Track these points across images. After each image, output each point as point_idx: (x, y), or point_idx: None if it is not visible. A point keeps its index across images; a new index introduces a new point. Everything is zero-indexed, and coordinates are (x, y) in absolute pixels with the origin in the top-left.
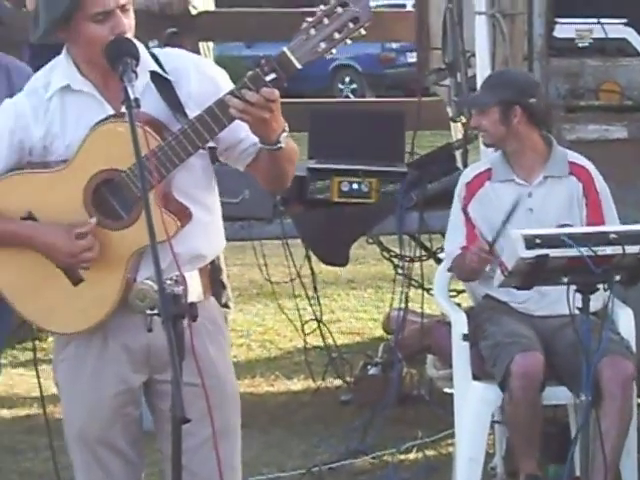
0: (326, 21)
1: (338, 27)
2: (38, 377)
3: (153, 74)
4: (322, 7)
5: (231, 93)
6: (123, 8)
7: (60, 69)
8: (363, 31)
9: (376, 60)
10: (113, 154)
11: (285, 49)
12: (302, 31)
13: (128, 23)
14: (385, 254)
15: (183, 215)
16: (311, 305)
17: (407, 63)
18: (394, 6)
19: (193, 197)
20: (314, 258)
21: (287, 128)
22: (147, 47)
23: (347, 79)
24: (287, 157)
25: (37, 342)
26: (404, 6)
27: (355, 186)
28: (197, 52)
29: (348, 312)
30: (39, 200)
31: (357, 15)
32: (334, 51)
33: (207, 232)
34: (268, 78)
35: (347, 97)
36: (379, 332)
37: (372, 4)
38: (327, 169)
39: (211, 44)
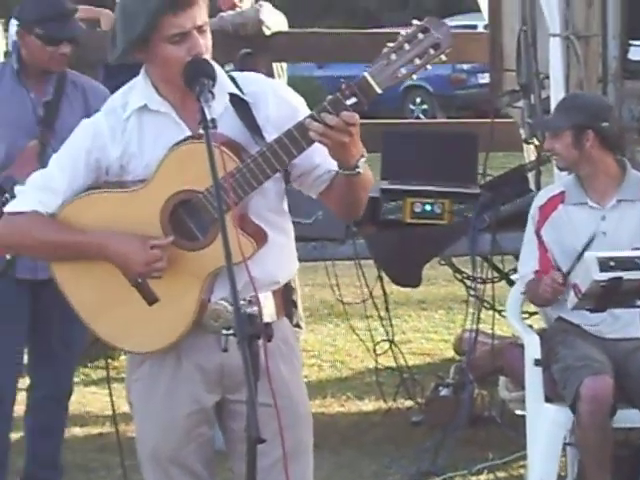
0: (407, 47)
1: (419, 53)
2: (111, 396)
3: (232, 97)
4: (403, 32)
5: (311, 116)
6: (200, 29)
7: (138, 89)
8: (444, 57)
9: (447, 81)
10: (191, 175)
11: (366, 74)
12: (383, 56)
13: (205, 44)
14: (457, 275)
15: (259, 237)
16: (383, 326)
17: (478, 84)
18: (465, 27)
19: (268, 220)
20: (386, 279)
21: (365, 154)
22: (224, 70)
23: (418, 100)
24: (363, 184)
25: (109, 360)
26: (475, 27)
27: (428, 207)
28: (271, 72)
29: (419, 333)
30: (115, 219)
31: (438, 41)
32: (414, 76)
33: (281, 255)
34: (348, 102)
35: (418, 118)
36: (450, 353)
37: None
38: (400, 190)
39: (285, 64)
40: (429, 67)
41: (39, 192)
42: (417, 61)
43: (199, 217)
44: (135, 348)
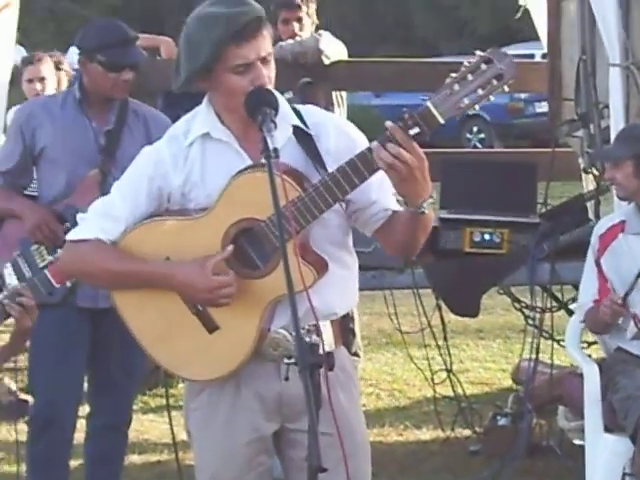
0: (470, 77)
1: (482, 83)
2: (171, 424)
3: (295, 128)
4: (466, 63)
5: (377, 144)
6: (264, 60)
7: (201, 117)
8: (506, 88)
9: (504, 110)
10: (252, 203)
11: (429, 103)
12: (446, 86)
13: (268, 74)
14: (516, 305)
15: (319, 266)
16: (441, 355)
17: (535, 113)
18: (522, 56)
19: (328, 252)
20: (444, 307)
21: (434, 196)
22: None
23: (475, 129)
24: (423, 225)
25: (170, 389)
26: (532, 56)
27: (487, 237)
28: (330, 101)
29: (477, 362)
30: (177, 247)
31: (501, 72)
32: (477, 107)
33: (341, 288)
34: (411, 132)
35: (475, 147)
36: (508, 382)
37: None
38: (459, 219)
39: (344, 94)
40: (492, 98)
41: (101, 220)
42: (480, 91)
43: (260, 246)
44: (194, 376)
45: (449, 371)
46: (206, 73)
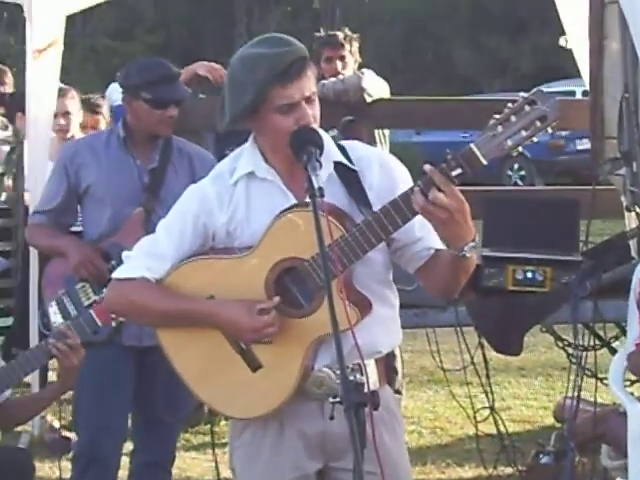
0: (513, 119)
1: (525, 125)
2: (216, 461)
3: (337, 165)
4: (510, 105)
5: (417, 187)
6: (308, 99)
7: (246, 156)
8: (550, 129)
9: (545, 147)
10: (296, 243)
11: (472, 145)
12: (489, 128)
13: (313, 114)
14: (559, 343)
15: (363, 306)
16: (486, 393)
17: (576, 150)
18: (563, 93)
19: (372, 291)
20: (486, 345)
21: (476, 239)
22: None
23: (516, 166)
24: (465, 268)
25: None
26: (573, 93)
27: (529, 275)
28: (373, 139)
29: (519, 400)
30: (221, 285)
31: (545, 114)
32: (520, 148)
33: (386, 326)
34: (454, 173)
35: (516, 184)
36: (550, 420)
37: None
38: (501, 257)
39: (387, 131)
40: (534, 139)
41: (146, 258)
42: (523, 133)
43: (304, 285)
44: (238, 414)
45: (492, 409)
46: (251, 113)
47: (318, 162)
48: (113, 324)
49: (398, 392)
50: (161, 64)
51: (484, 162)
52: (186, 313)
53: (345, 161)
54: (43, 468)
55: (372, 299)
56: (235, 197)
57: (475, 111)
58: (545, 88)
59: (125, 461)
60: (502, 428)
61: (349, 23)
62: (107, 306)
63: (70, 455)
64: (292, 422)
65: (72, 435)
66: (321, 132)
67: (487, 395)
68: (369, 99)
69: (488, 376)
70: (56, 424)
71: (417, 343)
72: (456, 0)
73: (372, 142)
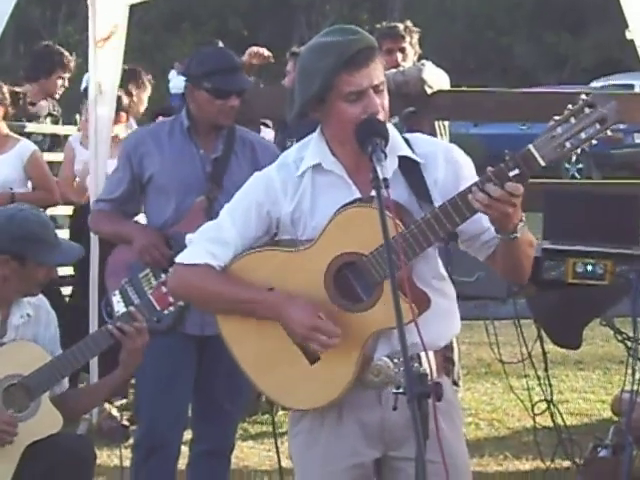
0: (573, 120)
1: (585, 127)
2: (277, 450)
3: (402, 159)
4: (570, 107)
5: (476, 186)
6: (377, 88)
7: (313, 147)
8: (609, 132)
9: (603, 140)
10: (357, 238)
11: (531, 146)
12: (549, 129)
13: (381, 103)
14: (618, 336)
15: (422, 301)
16: (541, 385)
17: (634, 143)
18: (622, 87)
19: (431, 286)
20: (544, 338)
21: (524, 219)
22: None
23: (573, 159)
24: (522, 248)
25: (269, 416)
26: (632, 87)
27: (589, 268)
28: (434, 131)
29: (576, 393)
30: (282, 277)
31: (605, 116)
32: (578, 150)
33: (444, 320)
34: (511, 173)
35: (573, 177)
36: (607, 414)
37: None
38: (561, 250)
39: (447, 123)
40: (594, 141)
41: (210, 244)
42: (582, 135)
43: (363, 279)
44: (294, 405)
45: (550, 402)
46: (319, 102)
47: (383, 153)
48: (171, 309)
49: (455, 384)
50: (224, 54)
51: (542, 163)
52: (248, 303)
53: (410, 154)
54: (102, 456)
55: (431, 293)
56: (301, 188)
57: (536, 104)
58: (603, 82)
59: (184, 450)
60: (560, 421)
61: (411, 16)
62: (170, 290)
63: (128, 443)
64: (350, 410)
65: (127, 423)
66: (389, 125)
67: (545, 388)
68: (429, 91)
69: (547, 369)
70: (114, 412)
71: (475, 335)
72: None
73: (433, 133)
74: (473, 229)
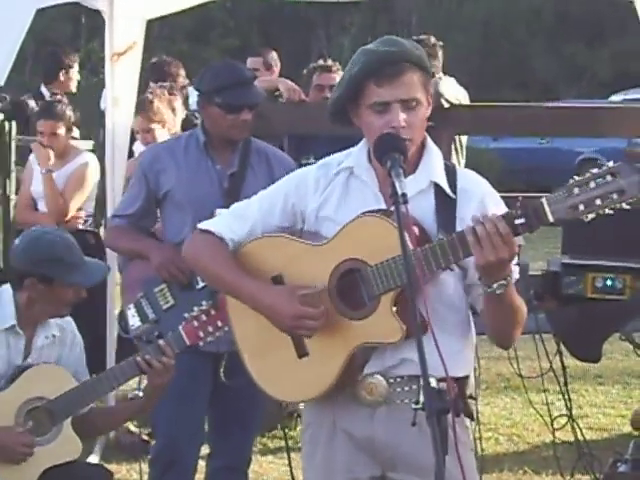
0: (592, 185)
1: (601, 194)
2: (290, 465)
3: (437, 186)
4: (593, 170)
5: (478, 224)
6: (407, 104)
7: (355, 151)
8: (625, 205)
9: (622, 154)
10: (368, 247)
11: (544, 200)
12: (566, 187)
13: (407, 120)
14: (638, 351)
15: (411, 325)
16: (563, 400)
17: None
18: (639, 101)
19: (435, 311)
20: (565, 353)
21: (508, 280)
22: None
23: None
24: (506, 310)
25: (286, 430)
26: None
27: (609, 282)
28: (452, 145)
29: (596, 408)
30: (292, 267)
31: (624, 188)
32: (590, 216)
33: (448, 355)
34: (517, 221)
35: None
36: (627, 428)
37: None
38: (581, 265)
39: (464, 139)
40: (609, 211)
41: (233, 219)
42: (598, 202)
43: (365, 288)
44: (277, 395)
45: (570, 417)
46: (353, 107)
47: (401, 168)
48: (201, 344)
49: (472, 397)
50: (234, 68)
51: (551, 219)
52: (232, 285)
53: (446, 187)
54: (121, 470)
55: (432, 320)
56: (332, 186)
57: (554, 118)
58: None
59: (201, 465)
60: (579, 436)
61: (426, 29)
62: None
63: (148, 458)
64: (342, 423)
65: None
66: (435, 150)
67: (565, 402)
68: (446, 105)
69: (566, 383)
70: (132, 427)
71: (494, 349)
72: (538, 5)
73: (450, 148)
74: (473, 277)
